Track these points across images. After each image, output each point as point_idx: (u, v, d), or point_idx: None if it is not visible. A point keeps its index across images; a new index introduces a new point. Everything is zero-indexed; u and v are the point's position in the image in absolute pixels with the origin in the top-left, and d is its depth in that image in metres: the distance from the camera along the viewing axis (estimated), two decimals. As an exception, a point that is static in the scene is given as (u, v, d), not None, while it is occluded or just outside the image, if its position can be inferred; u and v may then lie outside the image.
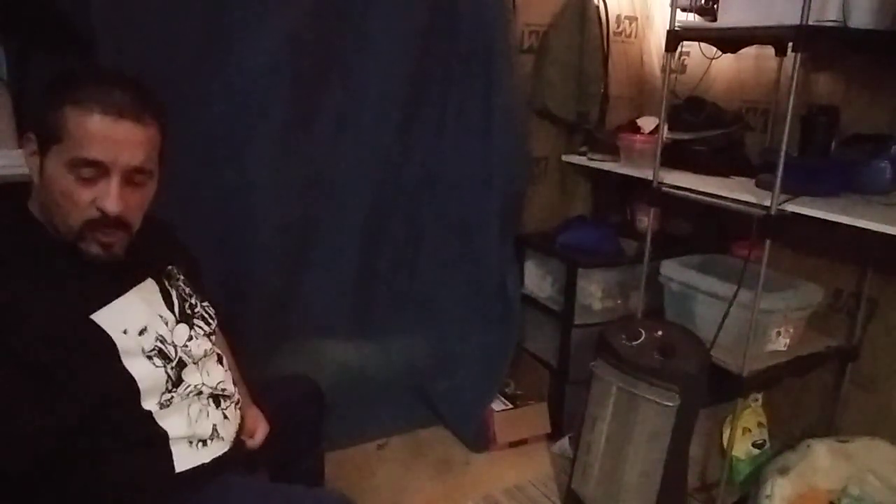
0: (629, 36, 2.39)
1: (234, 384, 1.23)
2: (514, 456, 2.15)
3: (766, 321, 1.68)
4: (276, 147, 1.80)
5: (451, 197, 2.15)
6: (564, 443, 2.16)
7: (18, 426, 0.92)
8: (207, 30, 1.62)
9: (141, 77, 1.03)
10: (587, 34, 2.19)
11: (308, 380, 1.49)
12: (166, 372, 1.05)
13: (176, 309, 1.12)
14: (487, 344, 2.24)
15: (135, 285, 1.07)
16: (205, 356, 1.14)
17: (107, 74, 1.03)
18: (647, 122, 2.15)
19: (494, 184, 2.10)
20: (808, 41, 1.44)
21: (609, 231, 2.23)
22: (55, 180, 0.95)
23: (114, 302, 1.01)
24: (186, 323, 1.13)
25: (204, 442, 1.09)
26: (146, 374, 1.02)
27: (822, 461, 1.69)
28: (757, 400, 1.92)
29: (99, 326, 0.98)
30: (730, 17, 1.73)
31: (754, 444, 1.91)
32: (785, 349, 1.76)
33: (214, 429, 1.11)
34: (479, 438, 2.16)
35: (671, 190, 1.84)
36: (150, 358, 1.03)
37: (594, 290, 2.15)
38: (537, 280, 2.32)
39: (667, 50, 1.80)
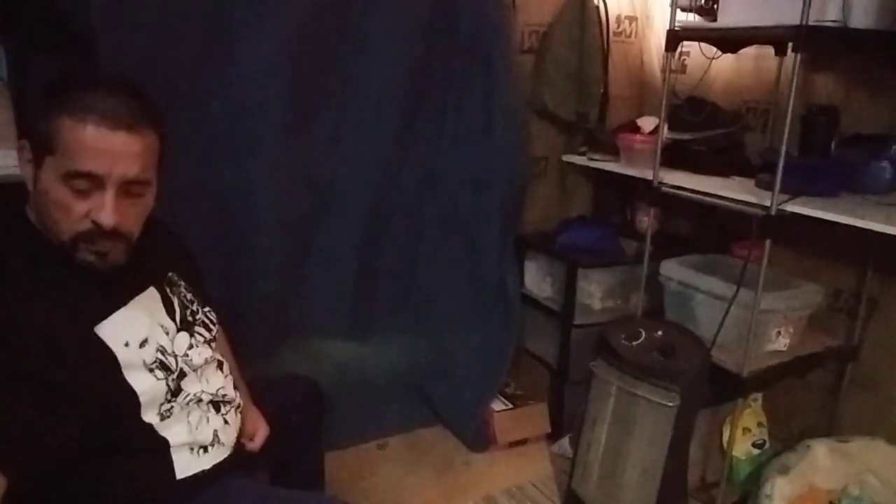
0: (629, 36, 2.39)
1: (235, 388, 1.22)
2: (514, 456, 2.15)
3: (766, 321, 1.68)
4: (276, 147, 1.79)
5: (451, 197, 2.16)
6: (564, 443, 2.16)
7: (20, 439, 0.91)
8: (207, 30, 1.61)
9: (141, 81, 1.00)
10: (587, 34, 2.19)
11: (308, 380, 1.49)
12: (167, 384, 1.04)
13: (177, 317, 1.11)
14: (487, 344, 2.24)
15: (137, 294, 1.05)
16: (205, 364, 1.13)
17: (102, 82, 0.98)
18: (647, 122, 2.15)
19: (494, 183, 2.10)
20: (808, 41, 1.44)
21: (609, 231, 2.23)
22: (49, 191, 0.92)
23: (116, 313, 1.00)
24: (187, 331, 1.12)
25: (205, 448, 1.08)
26: (147, 387, 1.01)
27: (822, 461, 1.69)
28: (757, 400, 1.92)
29: (101, 340, 0.97)
30: (730, 17, 1.73)
31: (754, 444, 1.91)
32: (785, 349, 1.76)
33: (215, 434, 1.10)
34: (479, 438, 2.16)
35: (671, 190, 1.84)
36: (151, 371, 1.02)
37: (594, 290, 2.15)
38: (537, 280, 2.32)
39: (667, 50, 1.80)
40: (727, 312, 1.67)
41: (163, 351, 1.05)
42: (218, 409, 1.13)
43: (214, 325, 1.21)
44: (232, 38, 1.64)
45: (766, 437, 1.94)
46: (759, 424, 1.93)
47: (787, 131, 1.49)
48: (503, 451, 2.16)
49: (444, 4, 1.93)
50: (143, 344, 1.02)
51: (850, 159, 1.69)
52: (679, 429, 1.58)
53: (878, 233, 1.39)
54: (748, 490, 1.82)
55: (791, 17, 1.44)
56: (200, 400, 1.10)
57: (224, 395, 1.16)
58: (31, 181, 0.95)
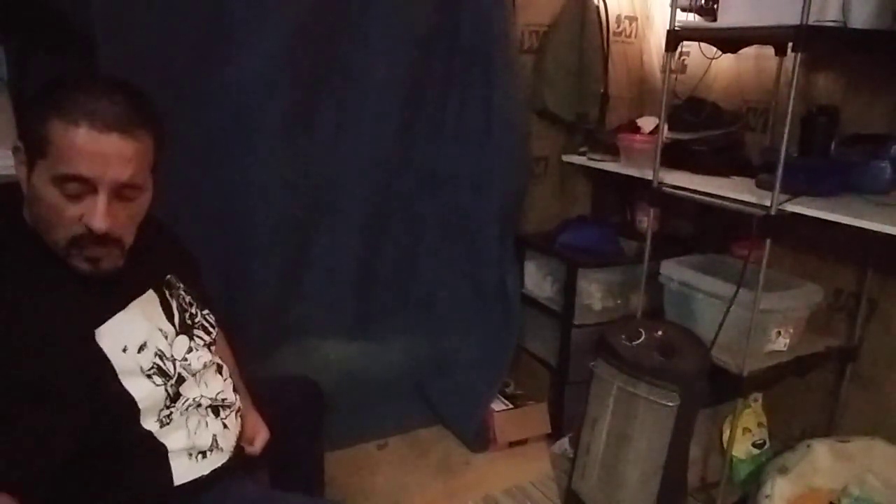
0: (629, 36, 2.39)
1: (235, 391, 1.21)
2: (514, 456, 2.15)
3: (766, 321, 1.68)
4: (276, 147, 1.80)
5: (451, 197, 2.16)
6: (564, 443, 2.16)
7: (17, 447, 0.90)
8: (207, 30, 1.61)
9: (140, 80, 0.98)
10: (587, 34, 2.19)
11: (308, 380, 1.49)
12: (166, 390, 1.03)
13: (176, 320, 1.10)
14: (487, 344, 2.24)
15: (135, 298, 1.04)
16: (204, 368, 1.12)
17: (94, 83, 0.95)
18: (647, 122, 2.15)
19: (494, 184, 2.10)
20: (808, 41, 1.44)
21: (609, 231, 2.23)
22: (42, 194, 0.91)
23: (113, 318, 0.99)
24: (186, 334, 1.11)
25: (203, 454, 1.07)
26: (146, 393, 1.00)
27: (822, 461, 1.69)
28: (757, 400, 1.92)
29: (98, 346, 0.95)
30: (730, 17, 1.73)
31: (754, 444, 1.91)
32: (785, 349, 1.76)
33: (214, 439, 1.09)
34: (479, 438, 2.16)
35: (671, 190, 1.84)
36: (149, 377, 1.01)
37: (594, 290, 2.15)
38: (537, 280, 2.32)
39: (667, 50, 1.80)
40: (727, 312, 1.67)
41: (161, 356, 1.04)
42: (217, 414, 1.13)
43: (214, 327, 1.20)
44: (232, 38, 1.65)
45: (766, 437, 1.94)
46: (759, 424, 1.93)
47: (787, 131, 1.49)
48: (503, 451, 2.16)
49: (444, 4, 1.93)
50: (141, 349, 1.01)
51: (850, 159, 1.69)
52: (679, 429, 1.58)
53: (877, 233, 1.39)
54: (748, 490, 1.82)
55: (791, 17, 1.44)
56: (199, 405, 1.09)
57: (223, 400, 1.15)
58: (26, 183, 0.94)
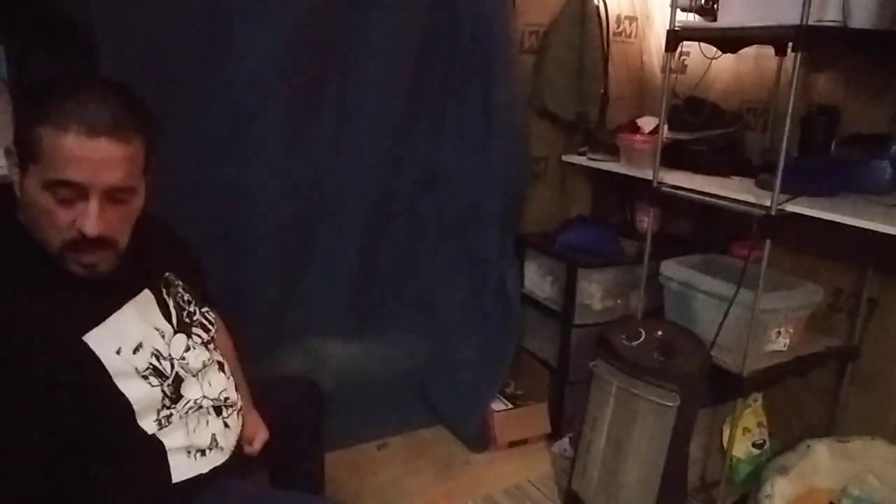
0: (629, 36, 2.39)
1: (237, 389, 1.22)
2: (514, 456, 2.15)
3: (766, 321, 1.68)
4: (276, 147, 1.80)
5: (451, 197, 2.16)
6: (564, 443, 2.16)
7: (13, 449, 0.91)
8: (207, 30, 1.61)
9: (140, 81, 0.98)
10: (587, 34, 2.19)
11: (308, 380, 1.49)
12: (162, 390, 1.03)
13: (174, 319, 1.10)
14: (487, 344, 2.24)
15: (130, 298, 1.03)
16: (203, 367, 1.12)
17: (84, 87, 0.93)
18: (647, 122, 2.15)
19: (494, 183, 2.10)
20: (808, 41, 1.44)
21: (609, 231, 2.23)
22: (34, 199, 0.91)
23: (108, 319, 0.98)
24: (184, 333, 1.11)
25: (202, 452, 1.07)
26: (141, 394, 1.00)
27: (822, 461, 1.69)
28: (757, 400, 1.92)
29: (89, 349, 0.95)
30: (730, 17, 1.73)
31: (754, 444, 1.91)
32: (785, 349, 1.76)
33: (213, 438, 1.09)
34: (479, 438, 2.16)
35: (671, 190, 1.84)
36: (145, 378, 1.01)
37: (594, 290, 2.15)
38: (537, 280, 2.32)
39: (667, 50, 1.80)
40: (727, 312, 1.67)
41: (158, 356, 1.04)
42: (219, 413, 1.13)
43: (213, 325, 1.20)
44: (232, 39, 1.64)
45: (766, 437, 1.94)
46: (759, 424, 1.93)
47: (787, 131, 1.49)
48: (503, 451, 2.16)
49: (444, 4, 1.93)
50: (136, 349, 1.01)
51: (850, 159, 1.69)
52: (679, 429, 1.59)
53: (878, 233, 1.39)
54: (748, 490, 1.82)
55: (791, 17, 1.44)
56: (201, 407, 1.09)
57: (226, 399, 1.15)
58: (19, 187, 0.94)
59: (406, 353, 2.27)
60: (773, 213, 1.53)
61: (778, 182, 1.51)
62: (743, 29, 1.68)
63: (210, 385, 1.12)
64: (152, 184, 1.03)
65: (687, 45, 2.16)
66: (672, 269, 1.90)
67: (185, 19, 1.58)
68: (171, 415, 1.03)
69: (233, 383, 1.20)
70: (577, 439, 1.83)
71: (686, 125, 1.98)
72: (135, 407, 0.99)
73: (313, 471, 1.48)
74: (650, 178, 1.88)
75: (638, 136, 2.10)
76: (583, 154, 2.32)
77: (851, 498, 1.63)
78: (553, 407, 2.23)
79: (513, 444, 2.18)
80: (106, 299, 1.00)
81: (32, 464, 0.93)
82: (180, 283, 1.16)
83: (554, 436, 2.21)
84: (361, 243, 2.08)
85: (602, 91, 2.28)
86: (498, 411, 2.17)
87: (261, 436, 1.25)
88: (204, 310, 1.19)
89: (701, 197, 1.75)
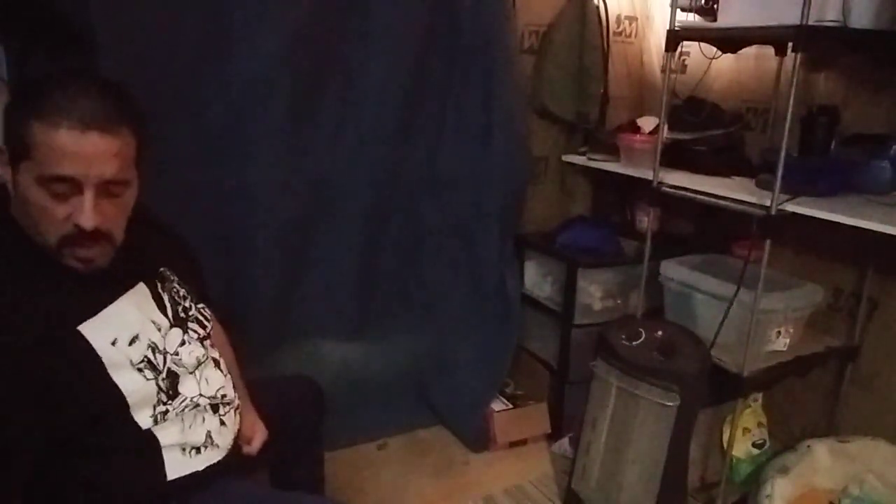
0: (629, 36, 2.39)
1: (235, 388, 1.21)
2: (514, 456, 2.15)
3: (766, 321, 1.68)
4: (276, 147, 1.79)
5: (451, 196, 2.15)
6: (564, 443, 2.16)
7: (11, 440, 0.91)
8: (207, 29, 1.61)
9: (140, 81, 0.99)
10: (587, 34, 2.19)
11: (308, 380, 1.49)
12: (157, 384, 1.03)
13: (169, 313, 1.10)
14: (487, 344, 2.24)
15: (125, 291, 1.04)
16: (198, 364, 1.11)
17: (73, 82, 0.94)
18: (647, 122, 2.15)
19: (494, 183, 2.10)
20: (808, 41, 1.44)
21: (609, 231, 2.23)
22: (28, 196, 0.92)
23: (104, 311, 0.99)
24: (180, 327, 1.11)
25: (197, 449, 1.07)
26: (136, 387, 1.00)
27: (822, 461, 1.69)
28: (757, 400, 1.92)
29: (85, 339, 0.96)
30: (730, 17, 1.73)
31: (754, 444, 1.91)
32: (785, 349, 1.76)
33: (208, 436, 1.09)
34: (479, 438, 2.16)
35: (671, 190, 1.84)
36: (139, 370, 1.01)
37: (594, 290, 2.15)
38: (537, 280, 2.32)
39: (667, 50, 1.80)
40: (727, 312, 1.67)
41: (154, 348, 1.04)
42: (216, 410, 1.12)
43: (209, 321, 1.19)
44: (232, 38, 1.64)
45: (766, 437, 1.94)
46: (759, 424, 1.93)
47: (787, 131, 1.49)
48: (503, 451, 2.16)
49: (444, 5, 1.93)
50: (132, 341, 1.01)
51: (850, 159, 1.69)
52: (679, 429, 1.58)
53: (878, 233, 1.39)
54: (748, 490, 1.82)
55: (791, 17, 1.44)
56: (198, 405, 1.09)
57: (223, 396, 1.15)
58: (11, 184, 0.94)
59: (406, 354, 2.27)
60: (773, 213, 1.53)
61: (778, 182, 1.51)
62: (743, 29, 1.68)
63: (207, 382, 1.12)
64: (146, 178, 1.03)
65: (687, 45, 2.16)
66: (672, 269, 1.90)
67: (185, 19, 1.58)
68: (167, 411, 1.03)
69: (230, 381, 1.20)
70: (577, 439, 1.83)
71: (686, 125, 1.98)
72: (129, 400, 0.99)
73: (313, 471, 1.48)
74: (650, 178, 1.88)
75: (638, 136, 2.10)
76: (583, 154, 2.32)
77: (851, 498, 1.63)
78: (553, 407, 2.23)
79: (513, 445, 2.18)
80: (101, 291, 1.01)
81: (30, 455, 0.94)
82: (176, 278, 1.16)
83: (554, 436, 2.21)
84: (361, 243, 2.08)
85: (602, 91, 2.28)
86: (498, 411, 2.17)
87: (259, 435, 1.25)
88: (200, 306, 1.19)
89: (701, 197, 1.75)
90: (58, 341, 0.94)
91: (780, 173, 1.50)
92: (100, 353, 0.97)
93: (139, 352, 1.02)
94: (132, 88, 1.00)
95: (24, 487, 0.95)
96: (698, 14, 1.85)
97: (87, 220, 0.92)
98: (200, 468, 1.07)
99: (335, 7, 1.78)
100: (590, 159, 2.27)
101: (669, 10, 1.79)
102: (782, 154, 1.49)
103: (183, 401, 1.06)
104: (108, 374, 0.97)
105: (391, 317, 2.23)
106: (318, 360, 2.09)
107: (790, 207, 1.54)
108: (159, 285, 1.11)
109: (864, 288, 1.82)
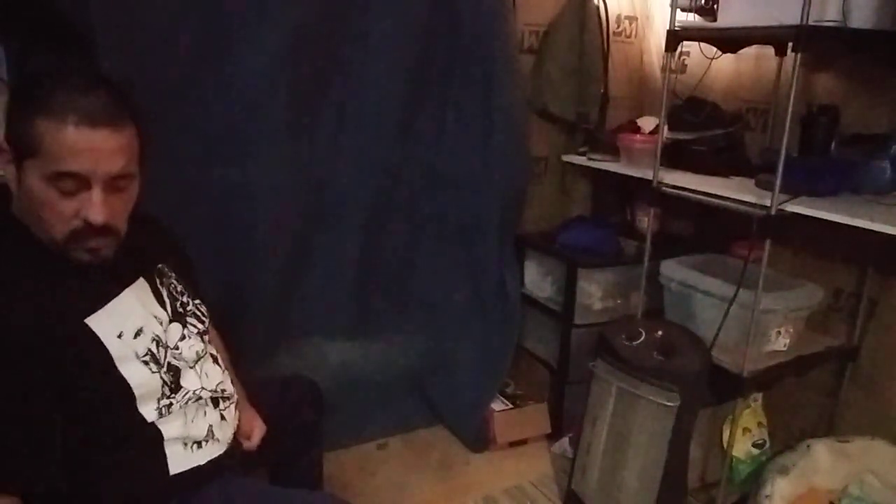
0: (629, 36, 2.39)
1: (233, 383, 1.22)
2: (514, 456, 2.15)
3: (766, 321, 1.68)
4: (276, 147, 1.79)
5: (451, 197, 2.16)
6: (564, 443, 2.16)
7: (16, 445, 0.91)
8: (207, 29, 1.61)
9: (140, 81, 1.00)
10: (587, 34, 2.19)
11: (308, 380, 1.49)
12: (161, 377, 1.04)
13: (168, 308, 1.11)
14: (487, 344, 2.24)
15: (127, 285, 1.05)
16: (198, 358, 1.12)
17: (76, 78, 0.96)
18: (647, 122, 2.15)
19: (494, 183, 2.10)
20: (808, 41, 1.44)
21: (609, 231, 2.23)
22: (35, 193, 0.92)
23: (109, 304, 1.00)
24: (179, 322, 1.12)
25: (199, 444, 1.08)
26: (142, 379, 1.01)
27: (822, 461, 1.69)
28: (757, 400, 1.92)
29: (93, 332, 0.97)
30: (730, 17, 1.73)
31: (754, 444, 1.91)
32: (785, 349, 1.76)
33: (210, 430, 1.10)
34: (479, 438, 2.16)
35: (671, 190, 1.84)
36: (144, 363, 1.02)
37: (594, 290, 2.15)
38: (537, 280, 2.32)
39: (667, 50, 1.80)
40: (727, 312, 1.67)
41: (157, 341, 1.05)
42: (216, 405, 1.14)
43: (206, 317, 1.21)
44: (232, 38, 1.64)
45: (766, 437, 1.93)
46: (759, 424, 1.93)
47: (787, 131, 1.49)
48: (503, 451, 2.16)
49: (444, 4, 1.93)
50: (137, 334, 1.02)
51: (850, 159, 1.69)
52: (679, 429, 1.59)
53: (878, 233, 1.39)
54: (748, 490, 1.82)
55: (791, 17, 1.44)
56: (200, 398, 1.10)
57: (223, 391, 1.16)
58: (14, 182, 0.95)
59: (406, 354, 2.27)
60: (772, 213, 1.53)
61: (778, 182, 1.51)
62: (743, 29, 1.68)
63: (207, 376, 1.13)
64: (146, 177, 1.04)
65: (687, 45, 2.16)
66: (672, 269, 1.90)
67: (185, 19, 1.58)
68: (171, 404, 1.04)
69: (228, 376, 1.22)
70: (577, 439, 1.83)
71: (686, 125, 1.98)
72: (135, 392, 1.00)
73: (312, 470, 1.48)
74: (650, 178, 1.88)
75: (638, 136, 2.10)
76: (583, 154, 2.32)
77: (851, 498, 1.63)
78: (553, 407, 2.23)
79: (513, 444, 2.18)
80: (105, 286, 1.02)
81: (55, 447, 0.94)
82: (173, 274, 1.17)
83: (554, 436, 2.21)
84: (361, 243, 2.08)
85: (602, 91, 2.28)
86: (498, 411, 2.17)
87: (258, 430, 1.26)
88: (196, 302, 1.20)
89: (701, 197, 1.75)
90: (66, 334, 0.95)
91: (779, 173, 1.50)
92: (107, 345, 0.98)
93: (144, 345, 1.03)
94: (132, 88, 1.01)
95: (57, 479, 0.95)
96: (698, 14, 1.85)
97: (97, 215, 0.93)
98: (202, 462, 1.07)
99: (335, 7, 1.78)
100: (590, 159, 2.27)
101: (669, 10, 1.78)
102: (782, 154, 1.49)
103: (186, 394, 1.07)
104: (115, 367, 0.98)
105: (391, 317, 2.23)
106: (318, 360, 2.09)
107: (790, 207, 1.54)
108: (157, 280, 1.12)
109: (863, 288, 1.82)
